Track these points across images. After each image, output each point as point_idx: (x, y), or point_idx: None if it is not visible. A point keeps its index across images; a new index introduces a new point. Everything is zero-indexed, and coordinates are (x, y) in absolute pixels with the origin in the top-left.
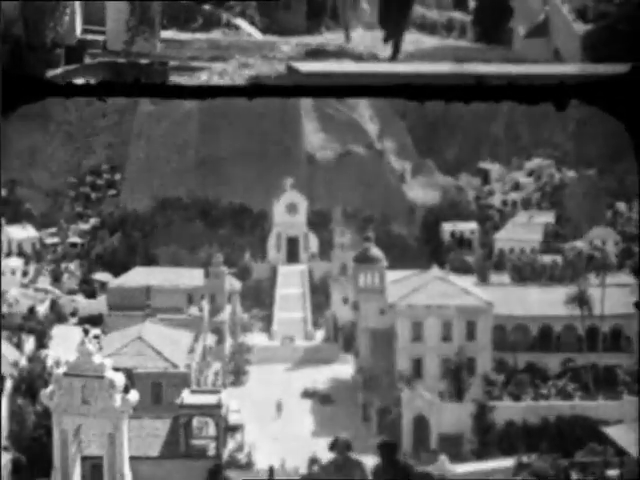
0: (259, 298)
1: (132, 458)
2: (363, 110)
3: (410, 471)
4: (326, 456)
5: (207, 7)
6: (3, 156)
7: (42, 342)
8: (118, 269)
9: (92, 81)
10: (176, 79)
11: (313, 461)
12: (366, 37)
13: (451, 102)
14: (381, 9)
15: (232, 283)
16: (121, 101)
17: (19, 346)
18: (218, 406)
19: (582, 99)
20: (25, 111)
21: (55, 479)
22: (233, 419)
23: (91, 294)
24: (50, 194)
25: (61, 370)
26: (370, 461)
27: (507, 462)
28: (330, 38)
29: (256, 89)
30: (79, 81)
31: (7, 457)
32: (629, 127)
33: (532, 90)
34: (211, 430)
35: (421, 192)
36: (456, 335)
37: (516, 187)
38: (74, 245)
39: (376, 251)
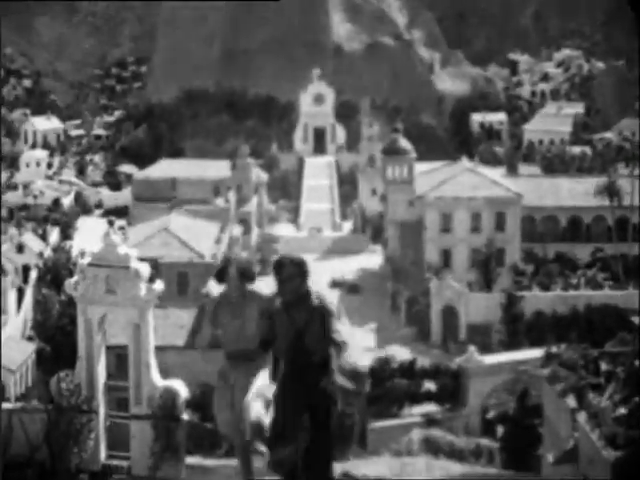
0: (286, 189)
1: (157, 348)
2: (391, 0)
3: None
4: (355, 346)
5: None
6: (30, 48)
7: (67, 233)
8: (143, 161)
9: None
10: None
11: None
12: None
13: None
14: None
15: (259, 174)
16: None
17: (44, 237)
18: None
19: None
20: (52, 3)
21: (80, 368)
22: None
23: (116, 186)
24: (75, 86)
25: (86, 260)
26: (401, 352)
27: (536, 352)
28: None
29: None
30: None
31: (32, 347)
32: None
33: None
34: None
35: (450, 83)
36: (485, 226)
37: (545, 78)
38: (99, 137)
39: (405, 142)
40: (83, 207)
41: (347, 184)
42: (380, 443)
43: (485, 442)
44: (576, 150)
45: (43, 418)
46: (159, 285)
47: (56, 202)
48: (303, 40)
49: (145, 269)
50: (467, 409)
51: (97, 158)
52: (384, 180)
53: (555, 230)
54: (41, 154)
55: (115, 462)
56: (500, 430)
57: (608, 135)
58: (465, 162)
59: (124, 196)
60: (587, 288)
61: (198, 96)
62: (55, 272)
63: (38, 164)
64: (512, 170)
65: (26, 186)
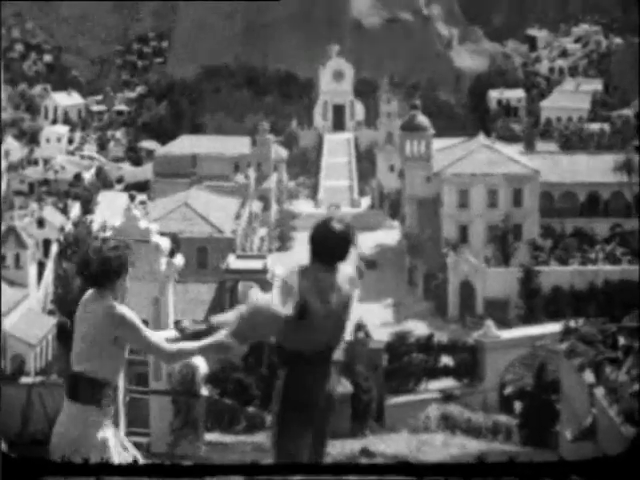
0: (305, 166)
1: (177, 322)
2: None
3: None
4: (372, 321)
5: (250, 409)
6: (52, 24)
7: (88, 208)
8: (165, 137)
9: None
10: None
11: (359, 327)
12: None
13: None
14: None
15: (278, 151)
16: None
17: (65, 211)
18: (264, 271)
19: None
20: None
21: None
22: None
23: (137, 162)
24: (97, 62)
25: (107, 235)
26: (418, 327)
27: (554, 327)
28: None
29: None
30: None
31: (52, 321)
32: None
33: None
34: None
35: (468, 59)
36: (502, 202)
37: (563, 54)
38: (120, 113)
39: (423, 119)
40: (104, 182)
41: (365, 161)
42: (397, 419)
43: (503, 419)
44: (594, 127)
45: (62, 393)
46: (180, 260)
47: (77, 177)
48: (322, 16)
49: (165, 243)
50: (484, 384)
51: (119, 134)
52: (402, 156)
53: (573, 206)
54: (62, 129)
55: (134, 439)
56: (518, 406)
57: (626, 112)
58: (482, 139)
59: (145, 171)
60: (605, 263)
61: (219, 72)
62: (76, 246)
63: (59, 139)
64: (530, 147)
65: (47, 161)
